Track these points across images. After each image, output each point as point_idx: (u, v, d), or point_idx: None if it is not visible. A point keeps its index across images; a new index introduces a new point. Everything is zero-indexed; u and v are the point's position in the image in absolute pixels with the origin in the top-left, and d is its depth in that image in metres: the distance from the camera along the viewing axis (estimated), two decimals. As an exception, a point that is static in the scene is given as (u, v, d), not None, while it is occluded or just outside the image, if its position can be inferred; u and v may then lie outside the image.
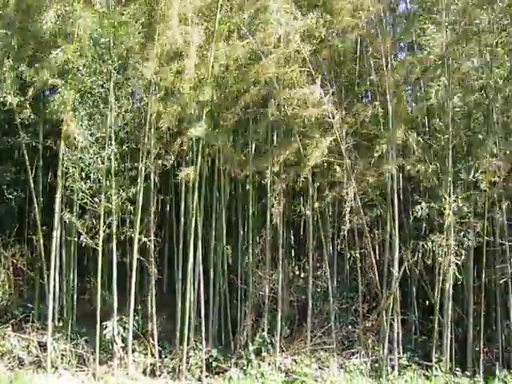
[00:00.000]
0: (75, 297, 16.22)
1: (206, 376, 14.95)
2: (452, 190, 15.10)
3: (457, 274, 14.80)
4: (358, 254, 16.54)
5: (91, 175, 13.97)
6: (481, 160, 15.22)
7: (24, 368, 14.10)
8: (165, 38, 14.00)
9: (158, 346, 15.24)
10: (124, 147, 14.48)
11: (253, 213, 16.66)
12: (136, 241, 14.62)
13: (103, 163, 14.09)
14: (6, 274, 16.81)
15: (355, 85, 16.96)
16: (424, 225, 17.13)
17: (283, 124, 15.98)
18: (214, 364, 15.24)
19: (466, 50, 15.26)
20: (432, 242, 14.78)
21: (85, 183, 13.96)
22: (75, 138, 13.87)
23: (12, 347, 14.49)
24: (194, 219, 15.16)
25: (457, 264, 14.78)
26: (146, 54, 14.20)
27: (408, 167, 15.68)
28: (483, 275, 15.71)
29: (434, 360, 15.09)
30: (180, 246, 15.82)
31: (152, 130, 14.87)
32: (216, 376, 15.04)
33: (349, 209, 14.96)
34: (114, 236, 14.44)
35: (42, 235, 15.19)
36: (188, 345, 14.91)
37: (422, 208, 14.93)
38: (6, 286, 16.72)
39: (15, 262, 17.20)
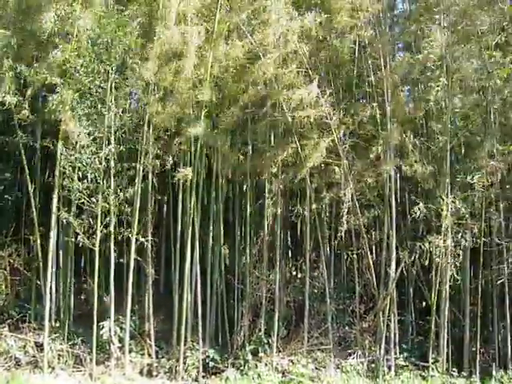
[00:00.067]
0: (72, 297, 16.18)
1: (203, 376, 14.94)
2: (449, 191, 15.13)
3: (455, 275, 14.82)
4: (355, 255, 16.59)
5: (88, 175, 13.95)
6: (478, 161, 15.26)
7: (21, 368, 14.06)
8: (164, 38, 13.99)
9: (155, 346, 15.24)
10: (122, 147, 14.47)
11: (250, 213, 16.67)
12: (134, 241, 14.61)
13: (100, 163, 14.07)
14: (2, 274, 16.75)
15: (353, 85, 16.94)
16: (421, 226, 17.16)
17: (281, 124, 15.97)
18: (211, 364, 15.25)
19: (465, 51, 15.25)
20: (429, 242, 14.81)
21: (82, 183, 13.95)
22: (73, 138, 13.85)
23: (9, 347, 14.44)
24: (191, 219, 15.17)
25: (454, 265, 14.82)
26: (144, 54, 14.20)
27: (405, 168, 15.68)
28: (480, 276, 15.75)
29: (431, 360, 15.12)
30: (177, 246, 15.81)
31: (150, 131, 14.86)
32: (213, 376, 15.04)
33: (346, 210, 14.97)
34: (112, 236, 14.41)
35: (39, 235, 15.16)
36: (185, 345, 14.90)
37: (419, 209, 14.96)
38: (3, 286, 16.66)
39: (12, 261, 17.13)
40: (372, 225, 17.43)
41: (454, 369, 15.08)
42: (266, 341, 15.56)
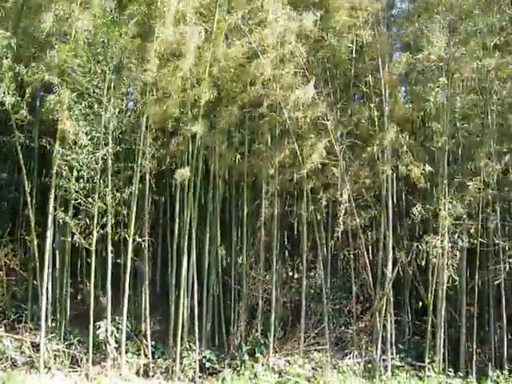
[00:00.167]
0: (68, 297, 16.14)
1: (200, 377, 14.95)
2: (447, 192, 15.15)
3: (453, 276, 14.83)
4: (351, 255, 16.60)
5: (85, 175, 13.93)
6: (476, 162, 15.29)
7: (17, 369, 14.02)
8: (163, 39, 13.97)
9: (152, 346, 15.23)
10: (119, 147, 14.46)
11: (247, 214, 16.66)
12: (131, 241, 14.60)
13: (97, 163, 14.06)
14: (-2, 274, 16.73)
15: (351, 85, 16.95)
16: (418, 226, 17.19)
17: (278, 125, 15.97)
18: (208, 365, 15.25)
19: (464, 51, 15.24)
20: (426, 243, 14.83)
21: (78, 183, 13.93)
22: (70, 138, 13.83)
23: (5, 348, 14.39)
24: (188, 220, 15.16)
25: (451, 265, 14.83)
26: (142, 54, 14.17)
27: (402, 168, 15.69)
28: (476, 276, 15.77)
29: (427, 361, 15.17)
30: (174, 246, 15.79)
31: (148, 131, 14.85)
32: (209, 377, 15.05)
33: (343, 210, 14.98)
34: (109, 236, 14.40)
35: (35, 235, 15.11)
36: (181, 345, 14.90)
37: (417, 210, 14.96)
38: (-1, 287, 16.65)
39: (8, 262, 17.09)
40: (369, 225, 17.45)
41: (450, 369, 15.11)
42: (262, 341, 15.58)
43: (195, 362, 14.97)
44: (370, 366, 15.35)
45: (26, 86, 14.46)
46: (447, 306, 15.87)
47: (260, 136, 16.50)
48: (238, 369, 14.95)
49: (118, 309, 14.82)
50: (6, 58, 13.89)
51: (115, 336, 14.66)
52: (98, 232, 14.17)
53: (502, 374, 15.04)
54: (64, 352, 14.60)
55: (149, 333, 15.18)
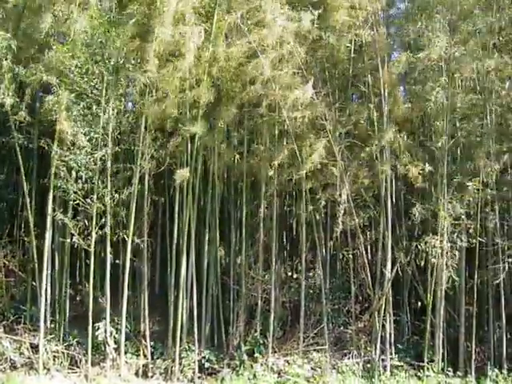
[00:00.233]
0: (67, 298, 16.14)
1: (199, 377, 14.95)
2: (446, 192, 15.15)
3: (453, 276, 14.83)
4: (350, 255, 16.59)
5: (83, 176, 13.93)
6: (476, 161, 15.29)
7: (16, 370, 14.03)
8: (162, 39, 13.96)
9: (151, 347, 15.22)
10: (117, 148, 14.46)
11: (246, 214, 16.66)
12: (130, 242, 14.59)
13: (95, 164, 14.06)
14: (-3, 276, 16.73)
15: (349, 85, 16.93)
16: (417, 226, 17.17)
17: (277, 125, 15.96)
18: (207, 365, 15.25)
19: (463, 51, 15.22)
20: (425, 243, 14.83)
21: (77, 184, 13.93)
22: (68, 139, 13.83)
23: (4, 349, 14.39)
24: (187, 220, 15.16)
25: (450, 265, 14.83)
26: (142, 54, 14.16)
27: (401, 168, 15.68)
28: (475, 276, 15.78)
29: (426, 360, 15.17)
30: (173, 246, 15.78)
31: (147, 131, 14.85)
32: (208, 377, 15.06)
33: (342, 211, 14.98)
34: (108, 237, 14.39)
35: (34, 236, 15.11)
36: (180, 346, 14.91)
37: (417, 210, 14.95)
38: (-2, 288, 16.65)
39: (7, 263, 17.10)
40: (368, 225, 17.46)
41: (449, 368, 15.12)
42: (261, 341, 15.57)
43: (194, 362, 14.98)
44: (369, 365, 15.35)
45: (26, 87, 14.46)
46: (446, 306, 15.89)
47: (259, 136, 16.49)
48: (237, 369, 14.95)
49: (117, 309, 14.83)
50: (6, 60, 13.90)
51: (114, 337, 14.66)
52: (96, 233, 14.18)
53: (501, 373, 15.05)
54: (63, 353, 14.60)
55: (148, 333, 15.17)
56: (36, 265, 15.17)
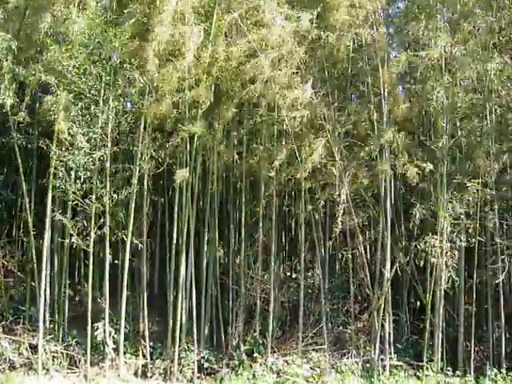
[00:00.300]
0: (66, 298, 16.12)
1: (198, 377, 14.96)
2: (446, 191, 15.14)
3: (452, 276, 14.82)
4: (349, 255, 16.59)
5: (82, 175, 13.91)
6: (475, 161, 15.29)
7: (15, 370, 14.01)
8: (161, 38, 13.94)
9: (150, 347, 15.20)
10: (116, 148, 14.45)
11: (245, 214, 16.66)
12: (129, 242, 14.58)
13: (94, 164, 14.05)
14: (-4, 276, 16.71)
15: (349, 85, 16.90)
16: (416, 226, 17.16)
17: (277, 125, 15.95)
18: (206, 365, 15.25)
19: (464, 50, 15.20)
20: (425, 242, 14.82)
21: (76, 184, 13.91)
22: (66, 139, 13.82)
23: (3, 349, 14.36)
24: (186, 220, 15.15)
25: (450, 265, 14.83)
26: (140, 54, 14.14)
27: (400, 168, 15.65)
28: (474, 275, 15.79)
29: (425, 360, 15.17)
30: (172, 246, 15.76)
31: (146, 131, 14.83)
32: (207, 377, 15.07)
33: (341, 211, 14.97)
34: (107, 238, 14.38)
35: (33, 237, 15.09)
36: (179, 346, 14.90)
37: (417, 210, 14.94)
38: (-3, 288, 16.63)
39: (6, 263, 17.08)
40: (367, 225, 17.46)
41: (448, 368, 15.12)
42: (260, 341, 15.58)
43: (193, 362, 14.97)
44: (368, 365, 15.35)
45: (25, 87, 14.44)
46: (445, 306, 15.90)
47: (258, 136, 16.48)
48: (237, 369, 14.96)
49: (116, 310, 14.82)
50: (6, 61, 13.88)
51: (113, 337, 14.65)
52: (95, 233, 14.17)
53: (500, 372, 15.06)
54: (62, 353, 14.58)
55: (147, 333, 15.16)
56: (35, 265, 15.14)
